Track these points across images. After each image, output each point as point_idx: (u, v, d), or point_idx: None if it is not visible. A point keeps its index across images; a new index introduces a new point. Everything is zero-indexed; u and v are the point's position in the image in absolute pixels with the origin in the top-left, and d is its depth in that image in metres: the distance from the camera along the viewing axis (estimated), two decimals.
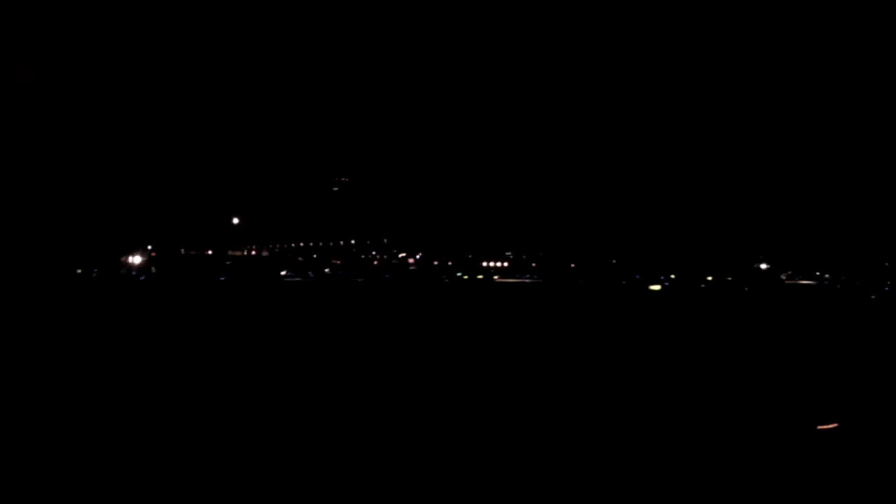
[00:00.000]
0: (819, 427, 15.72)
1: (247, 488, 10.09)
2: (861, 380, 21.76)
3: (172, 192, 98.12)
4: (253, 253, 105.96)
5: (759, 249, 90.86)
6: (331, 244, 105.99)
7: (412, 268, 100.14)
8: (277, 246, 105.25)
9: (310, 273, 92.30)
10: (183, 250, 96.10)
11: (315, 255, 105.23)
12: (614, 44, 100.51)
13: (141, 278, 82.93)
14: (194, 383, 18.45)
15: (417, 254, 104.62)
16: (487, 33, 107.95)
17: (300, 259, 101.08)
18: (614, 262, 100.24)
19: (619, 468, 11.94)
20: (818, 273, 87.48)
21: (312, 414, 15.12)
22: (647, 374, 22.08)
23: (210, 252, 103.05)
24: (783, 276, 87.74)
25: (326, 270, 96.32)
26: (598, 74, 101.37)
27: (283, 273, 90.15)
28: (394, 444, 12.84)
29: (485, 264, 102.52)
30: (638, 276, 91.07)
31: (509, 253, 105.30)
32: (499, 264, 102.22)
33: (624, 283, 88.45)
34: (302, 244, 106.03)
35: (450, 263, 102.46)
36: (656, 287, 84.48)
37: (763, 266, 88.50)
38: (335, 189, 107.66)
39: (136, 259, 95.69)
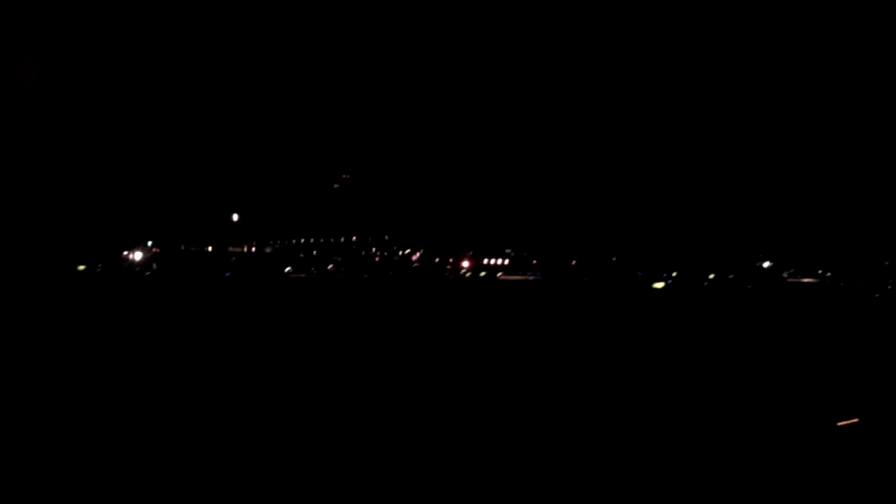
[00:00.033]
0: (839, 423, 15.77)
1: (259, 485, 10.09)
2: (875, 376, 21.83)
3: (173, 188, 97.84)
4: (253, 249, 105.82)
5: (760, 247, 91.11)
6: (331, 240, 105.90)
7: (416, 265, 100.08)
8: (277, 242, 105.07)
9: (313, 269, 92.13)
10: (183, 247, 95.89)
11: (315, 252, 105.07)
12: (615, 42, 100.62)
13: (146, 274, 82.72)
14: (208, 379, 18.48)
15: (418, 250, 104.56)
16: (488, 33, 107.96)
17: (301, 255, 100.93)
18: (614, 259, 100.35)
19: (634, 465, 11.91)
20: (820, 271, 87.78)
21: (326, 410, 15.12)
22: (662, 371, 22.08)
23: (210, 248, 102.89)
24: (785, 274, 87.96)
25: (330, 267, 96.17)
26: (599, 71, 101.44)
27: (287, 270, 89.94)
28: (407, 440, 12.83)
29: (486, 261, 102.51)
30: (640, 274, 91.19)
31: (509, 250, 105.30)
32: (500, 261, 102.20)
33: (627, 280, 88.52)
34: (303, 240, 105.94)
35: (451, 260, 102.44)
36: (660, 284, 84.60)
37: (766, 264, 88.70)
38: (336, 186, 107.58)
39: (136, 255, 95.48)
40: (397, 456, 11.94)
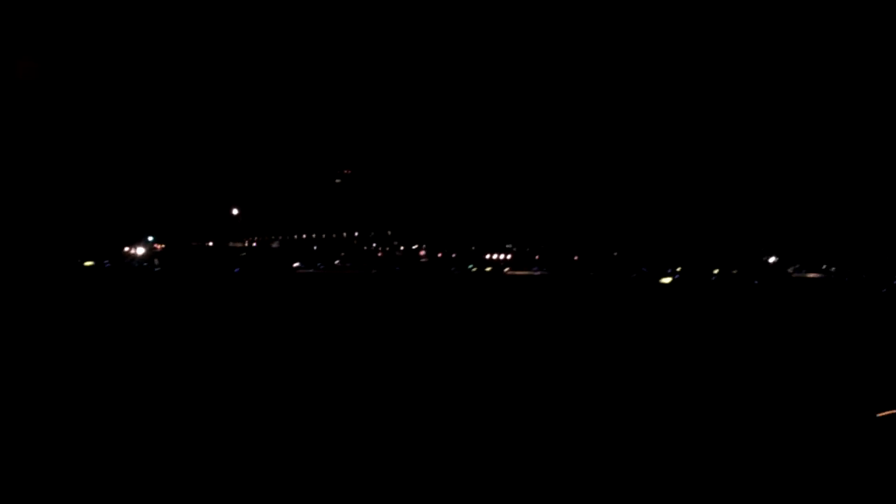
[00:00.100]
0: (879, 414, 15.89)
1: (274, 481, 10.20)
2: None
3: (173, 183, 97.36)
4: (254, 245, 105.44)
5: (763, 242, 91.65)
6: (334, 236, 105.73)
7: (423, 260, 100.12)
8: (279, 237, 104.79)
9: (319, 265, 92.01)
10: (194, 243, 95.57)
11: (316, 248, 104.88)
12: (617, 37, 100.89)
13: (156, 269, 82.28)
14: (227, 374, 18.63)
15: (421, 245, 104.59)
16: (491, 29, 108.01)
17: (315, 248, 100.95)
18: (615, 254, 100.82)
19: (658, 464, 11.99)
20: (824, 266, 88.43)
21: (343, 406, 15.26)
22: (685, 367, 22.21)
23: (211, 244, 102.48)
24: (790, 270, 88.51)
25: (336, 262, 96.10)
26: (601, 66, 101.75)
27: (295, 265, 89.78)
28: (422, 438, 12.96)
29: (488, 256, 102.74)
30: (644, 269, 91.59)
31: (510, 245, 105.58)
32: (502, 257, 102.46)
33: (634, 276, 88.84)
34: (305, 235, 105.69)
35: (453, 256, 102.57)
36: (667, 280, 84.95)
37: (771, 260, 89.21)
38: (338, 181, 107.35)
39: (138, 250, 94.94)
40: (413, 454, 11.98)
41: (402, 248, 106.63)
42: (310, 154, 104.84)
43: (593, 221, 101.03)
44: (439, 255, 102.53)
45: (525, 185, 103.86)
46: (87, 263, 78.67)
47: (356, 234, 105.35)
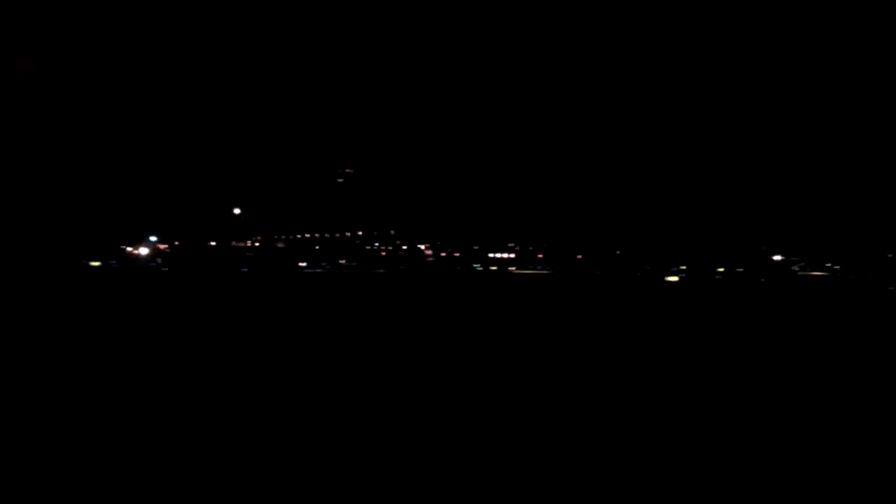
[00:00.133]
0: (886, 413, 15.96)
1: (283, 480, 10.25)
2: None
3: (174, 182, 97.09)
4: (256, 244, 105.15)
5: (766, 240, 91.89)
6: (337, 235, 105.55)
7: (430, 259, 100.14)
8: (282, 237, 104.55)
9: (325, 265, 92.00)
10: (209, 242, 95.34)
11: (318, 248, 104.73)
12: (617, 36, 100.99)
13: (163, 269, 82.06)
14: (243, 372, 18.74)
15: (424, 245, 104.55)
16: (492, 27, 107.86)
17: (317, 248, 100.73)
18: (618, 253, 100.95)
19: (673, 464, 12.01)
20: (828, 264, 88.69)
21: (358, 405, 15.32)
22: (704, 366, 22.28)
23: (213, 243, 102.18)
24: (795, 268, 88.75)
25: (342, 262, 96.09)
26: (604, 65, 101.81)
27: (302, 265, 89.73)
28: (435, 436, 13.00)
29: (491, 255, 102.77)
30: (649, 268, 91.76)
31: (513, 244, 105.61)
32: (506, 256, 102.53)
33: (639, 274, 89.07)
34: (308, 235, 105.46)
35: (456, 255, 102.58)
36: (673, 278, 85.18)
37: (777, 257, 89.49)
38: (340, 181, 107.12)
39: (141, 250, 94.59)
40: (427, 454, 11.98)
41: (404, 247, 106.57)
42: (312, 153, 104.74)
43: (596, 220, 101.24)
44: (443, 254, 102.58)
45: (528, 185, 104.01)
46: (94, 263, 78.41)
47: (359, 233, 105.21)
